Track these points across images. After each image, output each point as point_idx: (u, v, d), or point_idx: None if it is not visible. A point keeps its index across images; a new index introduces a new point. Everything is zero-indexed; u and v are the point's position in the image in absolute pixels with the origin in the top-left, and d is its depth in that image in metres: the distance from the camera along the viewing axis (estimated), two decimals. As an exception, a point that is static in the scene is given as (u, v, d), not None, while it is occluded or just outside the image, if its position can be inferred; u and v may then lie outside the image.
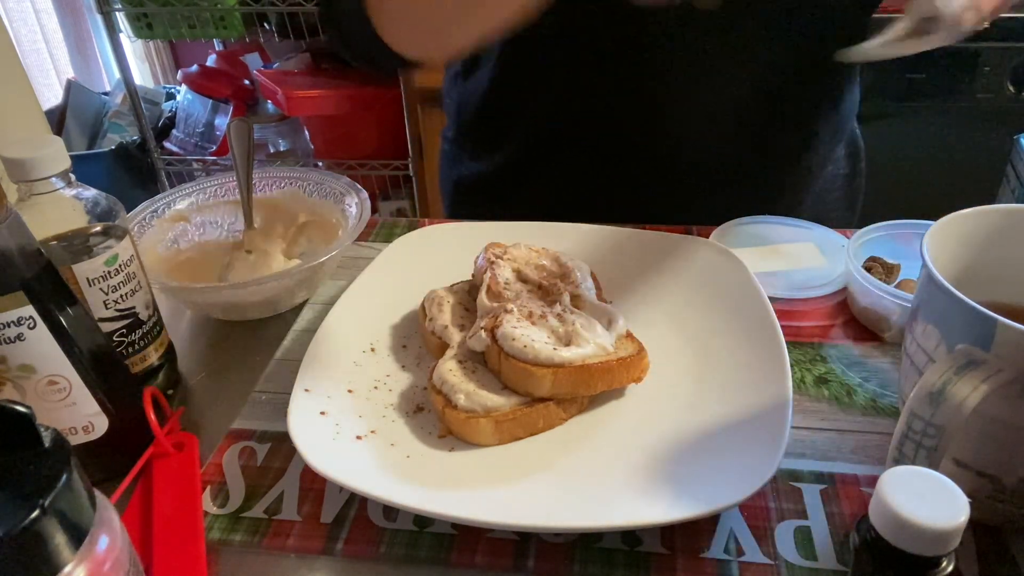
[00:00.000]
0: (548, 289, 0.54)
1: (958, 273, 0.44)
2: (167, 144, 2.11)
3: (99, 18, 1.83)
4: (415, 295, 0.59)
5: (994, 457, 0.38)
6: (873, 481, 0.35)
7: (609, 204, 0.73)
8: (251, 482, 0.47)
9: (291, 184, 0.71)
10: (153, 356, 0.53)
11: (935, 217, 0.44)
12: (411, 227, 0.72)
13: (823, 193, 0.78)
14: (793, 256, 0.66)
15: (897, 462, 0.36)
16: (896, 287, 0.57)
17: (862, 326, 0.58)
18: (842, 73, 0.73)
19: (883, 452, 0.40)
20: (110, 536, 0.31)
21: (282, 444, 0.49)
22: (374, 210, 1.88)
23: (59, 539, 0.28)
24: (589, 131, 0.73)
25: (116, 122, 2.16)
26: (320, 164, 1.95)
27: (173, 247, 0.66)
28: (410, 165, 1.84)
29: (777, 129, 0.73)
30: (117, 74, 2.03)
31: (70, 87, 2.16)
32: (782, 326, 0.51)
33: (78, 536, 0.29)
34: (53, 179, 0.47)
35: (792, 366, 0.50)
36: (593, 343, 0.48)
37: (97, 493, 0.32)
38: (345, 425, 0.48)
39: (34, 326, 0.41)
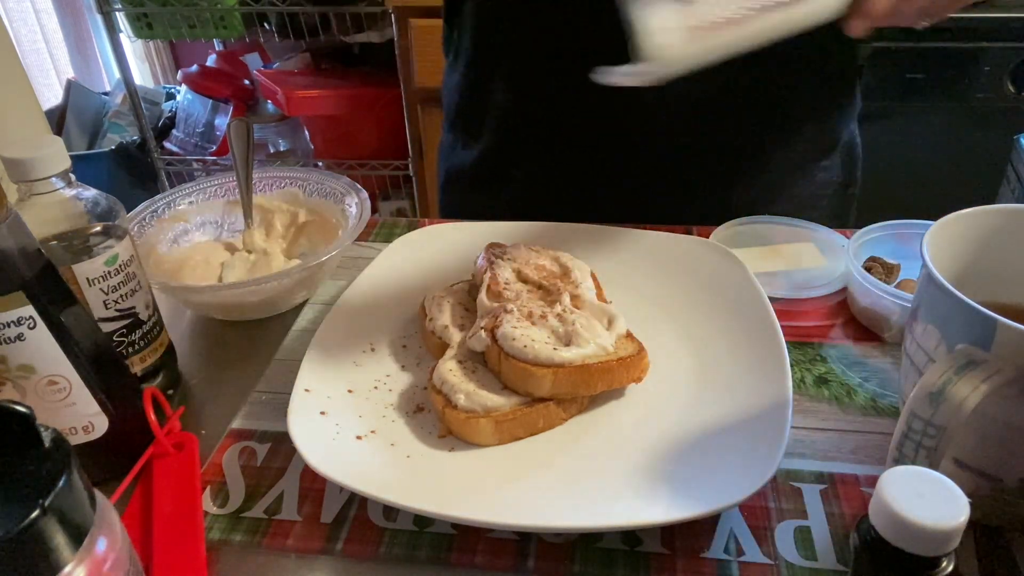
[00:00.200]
0: (548, 289, 0.54)
1: (958, 273, 0.44)
2: (167, 144, 2.11)
3: (99, 18, 1.83)
4: (415, 295, 0.59)
5: (994, 457, 0.38)
6: (873, 481, 0.35)
7: (590, 195, 0.74)
8: (251, 482, 0.47)
9: (291, 184, 0.71)
10: (153, 356, 0.53)
11: (935, 217, 0.44)
12: (411, 227, 0.72)
13: (812, 199, 0.77)
14: (793, 256, 0.66)
15: (897, 462, 0.36)
16: (896, 287, 0.57)
17: (862, 326, 0.58)
18: (824, 67, 0.72)
19: (883, 452, 0.40)
20: (110, 536, 0.31)
21: (282, 444, 0.49)
22: (374, 210, 1.88)
23: (59, 539, 0.28)
24: (565, 120, 0.73)
25: (116, 122, 2.16)
26: (320, 164, 1.95)
27: (173, 247, 0.66)
28: (410, 165, 1.84)
29: (753, 123, 0.72)
30: (117, 74, 2.03)
31: (70, 87, 2.16)
32: (782, 326, 0.51)
33: (78, 536, 0.29)
34: (53, 179, 0.47)
35: (792, 366, 0.50)
36: (593, 343, 0.48)
37: (97, 493, 0.32)
38: (345, 425, 0.48)
39: (34, 326, 0.41)
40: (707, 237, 0.66)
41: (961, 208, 0.44)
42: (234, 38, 1.89)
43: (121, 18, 1.79)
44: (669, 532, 0.42)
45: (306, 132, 2.00)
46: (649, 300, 0.59)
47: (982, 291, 0.40)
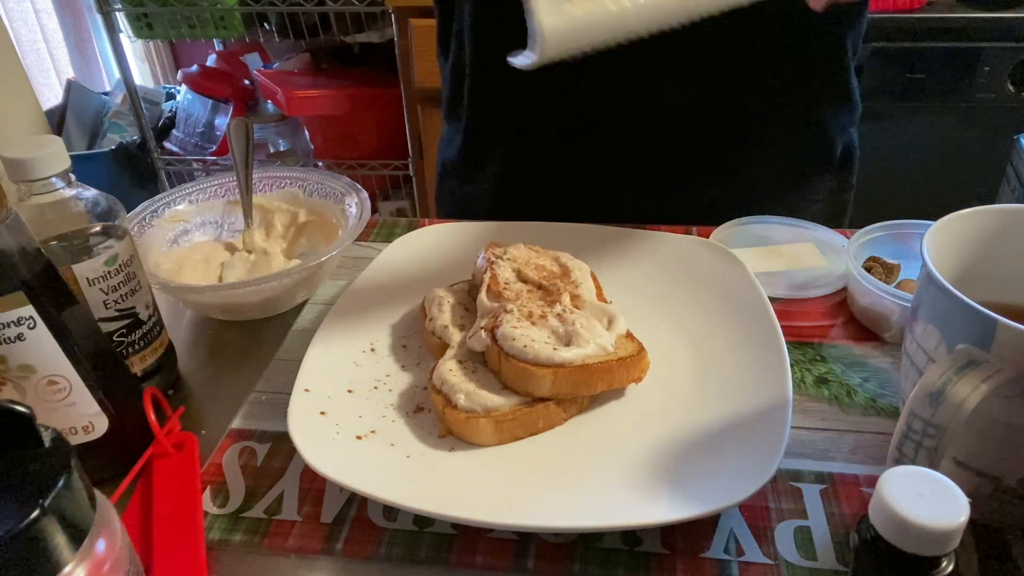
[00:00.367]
0: (548, 289, 0.54)
1: (958, 273, 0.44)
2: (167, 144, 2.11)
3: (99, 18, 1.83)
4: (415, 295, 0.59)
5: (994, 457, 0.38)
6: (873, 481, 0.35)
7: (577, 192, 0.74)
8: (251, 482, 0.47)
9: (291, 184, 0.71)
10: (153, 356, 0.53)
11: (935, 217, 0.44)
12: (411, 227, 0.72)
13: (804, 203, 0.77)
14: (793, 256, 0.66)
15: (897, 462, 0.36)
16: (896, 287, 0.57)
17: (862, 326, 0.58)
18: (807, 50, 0.71)
19: (883, 452, 0.40)
20: (110, 536, 0.31)
21: (282, 444, 0.49)
22: (374, 210, 1.88)
23: (59, 539, 0.28)
24: (549, 108, 0.73)
25: (116, 122, 2.16)
26: (320, 164, 1.95)
27: (173, 247, 0.66)
28: (410, 165, 1.84)
29: (741, 110, 0.72)
30: (117, 74, 2.03)
31: (70, 87, 2.16)
32: (782, 326, 0.51)
33: (78, 536, 0.29)
34: (53, 179, 0.47)
35: (792, 366, 0.50)
36: (593, 343, 0.48)
37: (97, 493, 0.32)
38: (345, 425, 0.48)
39: (34, 326, 0.41)
40: (707, 237, 0.66)
41: (961, 208, 0.44)
42: (234, 38, 1.89)
43: (121, 18, 1.80)
44: (669, 532, 0.42)
45: (306, 132, 2.00)
46: (649, 300, 0.59)
47: (982, 291, 0.40)
